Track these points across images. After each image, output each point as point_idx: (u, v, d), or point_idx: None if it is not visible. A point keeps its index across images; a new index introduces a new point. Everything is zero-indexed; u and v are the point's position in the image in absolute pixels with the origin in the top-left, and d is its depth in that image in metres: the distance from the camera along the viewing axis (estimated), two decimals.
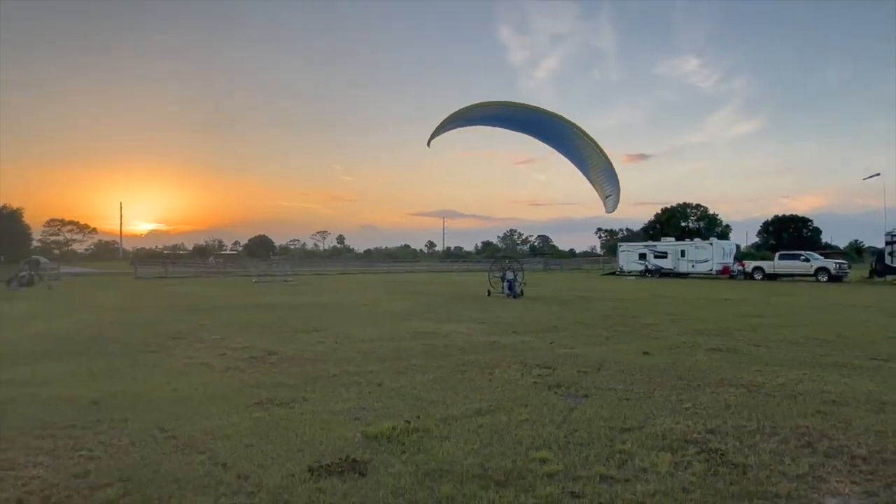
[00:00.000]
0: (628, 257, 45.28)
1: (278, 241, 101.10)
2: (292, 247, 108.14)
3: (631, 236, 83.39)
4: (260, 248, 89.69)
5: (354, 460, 4.11)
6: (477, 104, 16.77)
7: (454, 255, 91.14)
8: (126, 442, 4.50)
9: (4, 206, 67.45)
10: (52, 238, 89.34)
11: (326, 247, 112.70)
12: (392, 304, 17.55)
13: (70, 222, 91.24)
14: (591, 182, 18.90)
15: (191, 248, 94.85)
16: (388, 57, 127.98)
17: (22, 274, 25.61)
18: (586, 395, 6.07)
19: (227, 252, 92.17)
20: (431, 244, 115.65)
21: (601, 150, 17.63)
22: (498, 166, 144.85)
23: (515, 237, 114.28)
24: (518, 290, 20.19)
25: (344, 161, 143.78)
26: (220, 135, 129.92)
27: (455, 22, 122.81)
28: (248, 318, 13.76)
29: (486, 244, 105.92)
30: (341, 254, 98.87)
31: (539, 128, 18.31)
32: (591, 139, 17.46)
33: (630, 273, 43.16)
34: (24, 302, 19.01)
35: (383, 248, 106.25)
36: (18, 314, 14.82)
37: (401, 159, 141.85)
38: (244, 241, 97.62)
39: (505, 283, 20.46)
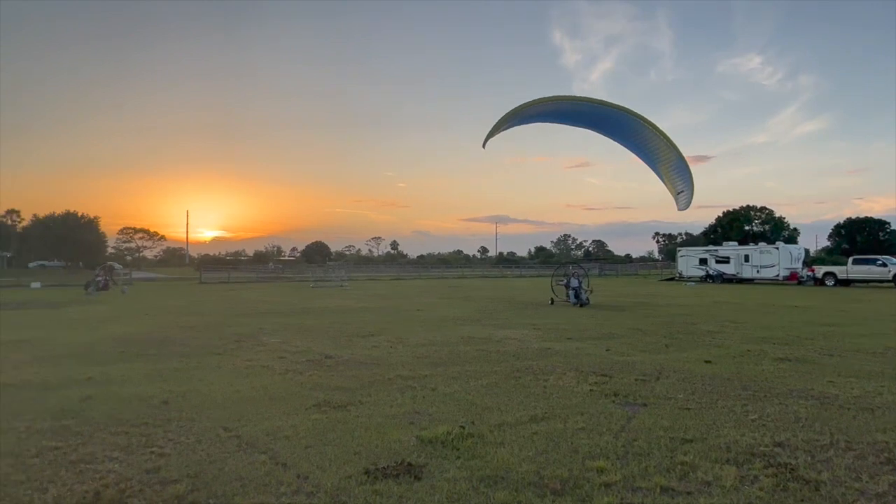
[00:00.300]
0: (688, 262, 43.85)
1: (334, 247, 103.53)
2: (347, 252, 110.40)
3: (691, 240, 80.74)
4: (316, 253, 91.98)
5: (409, 464, 4.15)
6: (535, 100, 16.48)
7: (507, 261, 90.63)
8: (193, 440, 4.70)
9: (83, 215, 71.81)
10: (125, 245, 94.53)
11: (380, 252, 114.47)
12: (445, 310, 17.63)
13: (141, 230, 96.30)
14: (661, 178, 18.26)
15: (251, 253, 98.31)
16: (441, 63, 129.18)
17: (98, 279, 27.19)
18: (645, 404, 5.91)
19: (286, 258, 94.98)
20: (484, 249, 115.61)
21: (672, 144, 16.92)
22: (550, 171, 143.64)
23: (569, 242, 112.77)
24: (584, 298, 19.20)
25: (397, 168, 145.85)
26: (279, 145, 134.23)
27: (508, 26, 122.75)
28: (305, 322, 14.13)
29: (539, 249, 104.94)
30: (395, 259, 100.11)
31: (602, 122, 17.75)
32: (662, 132, 16.82)
33: (690, 279, 41.76)
34: (100, 306, 20.16)
35: (436, 253, 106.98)
36: (95, 317, 15.73)
37: (453, 166, 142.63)
38: (301, 248, 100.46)
39: (570, 291, 19.56)
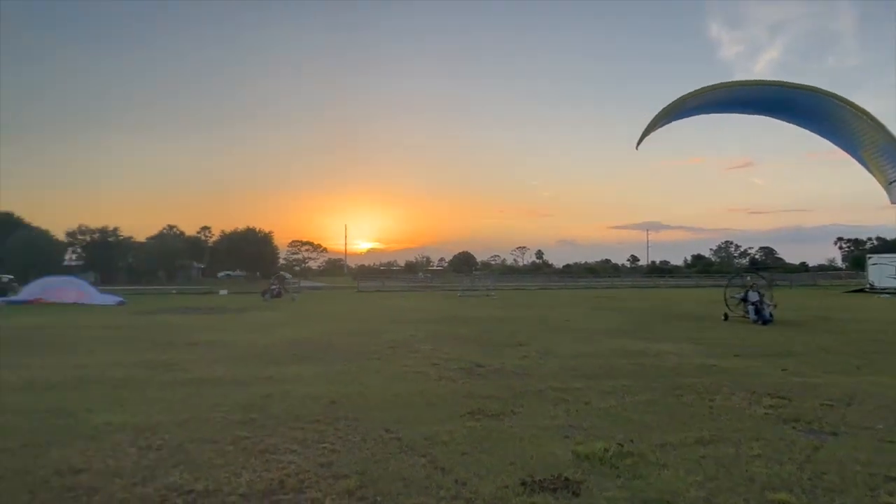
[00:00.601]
0: (881, 271, 38.04)
1: (480, 257, 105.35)
2: (493, 262, 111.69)
3: (883, 246, 70.03)
4: (463, 263, 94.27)
5: (567, 479, 4.07)
6: (699, 90, 15.18)
7: (660, 270, 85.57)
8: (359, 439, 5.04)
9: (260, 231, 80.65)
10: (294, 256, 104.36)
11: (525, 262, 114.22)
12: (594, 321, 17.08)
13: (307, 243, 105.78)
14: (864, 165, 15.86)
15: (403, 264, 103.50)
16: (589, 66, 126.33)
17: (273, 287, 30.33)
18: (834, 433, 5.22)
19: (434, 268, 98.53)
20: (634, 258, 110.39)
21: (879, 125, 14.51)
22: (707, 173, 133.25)
23: (731, 249, 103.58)
24: (767, 314, 16.12)
25: (542, 176, 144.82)
26: (428, 160, 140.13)
27: (659, 22, 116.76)
28: (455, 330, 14.51)
29: (697, 258, 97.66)
30: (540, 269, 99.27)
31: (784, 106, 15.61)
32: (865, 112, 14.44)
33: (884, 290, 36.21)
34: (274, 311, 22.45)
35: (582, 262, 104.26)
36: (270, 322, 17.55)
37: (601, 171, 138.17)
38: (448, 258, 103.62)
39: (749, 307, 16.55)
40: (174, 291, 42.64)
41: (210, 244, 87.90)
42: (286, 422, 5.59)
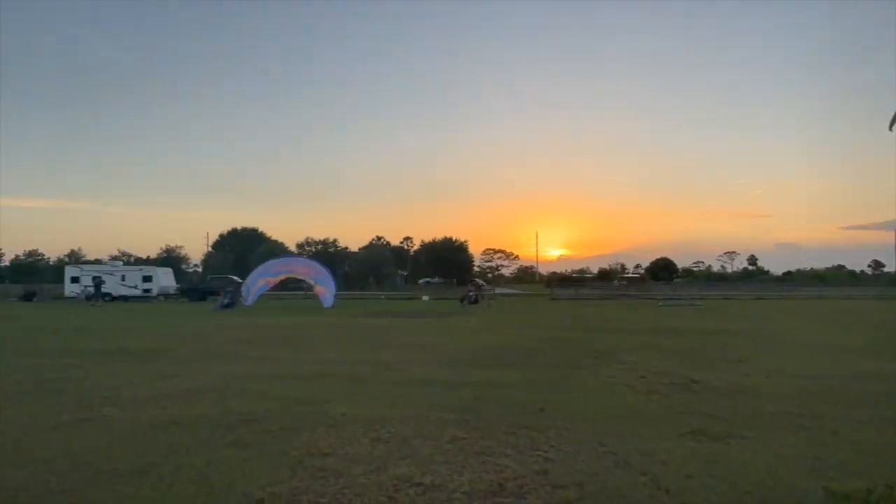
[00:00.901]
0: None
1: (681, 263, 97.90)
2: (696, 269, 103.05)
3: None
4: (662, 270, 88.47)
5: None
6: None
7: None
8: (573, 450, 4.96)
9: (457, 240, 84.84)
10: (487, 264, 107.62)
11: (735, 269, 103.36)
12: (831, 336, 14.75)
13: (499, 250, 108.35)
14: None
15: (595, 271, 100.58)
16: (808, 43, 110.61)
17: (470, 294, 31.61)
18: None
19: (630, 275, 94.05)
20: (877, 264, 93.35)
21: None
22: None
23: None
24: None
25: (753, 173, 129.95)
26: (622, 161, 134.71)
27: None
28: (658, 341, 13.64)
29: None
30: (753, 276, 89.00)
31: None
32: None
33: None
34: (473, 317, 23.35)
35: (807, 269, 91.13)
36: (471, 327, 18.27)
37: (827, 162, 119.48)
38: (645, 264, 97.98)
39: None
40: (383, 296, 46.73)
41: (411, 253, 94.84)
42: (498, 425, 5.73)
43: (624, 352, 11.70)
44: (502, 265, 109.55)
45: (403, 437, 5.28)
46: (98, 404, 6.64)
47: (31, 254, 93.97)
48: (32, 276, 74.61)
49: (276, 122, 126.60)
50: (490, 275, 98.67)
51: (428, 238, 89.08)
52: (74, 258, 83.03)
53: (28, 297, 42.68)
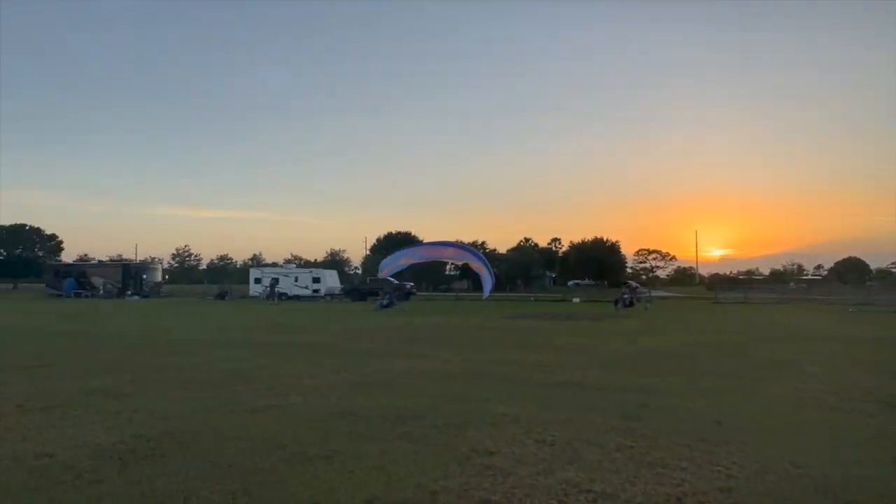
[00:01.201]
0: None
1: (875, 264, 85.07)
2: (894, 270, 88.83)
3: None
4: (850, 271, 77.64)
5: None
6: None
7: None
8: (758, 468, 4.50)
9: (608, 240, 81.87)
10: (641, 265, 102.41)
11: None
12: None
13: (654, 251, 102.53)
14: None
15: (766, 272, 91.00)
16: None
17: (625, 296, 30.31)
18: None
19: (809, 276, 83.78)
20: None
21: None
22: None
23: None
24: None
25: None
26: (794, 149, 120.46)
27: None
28: (851, 352, 11.96)
29: None
30: None
31: None
32: None
33: None
34: (628, 320, 22.34)
35: None
36: (627, 330, 17.48)
37: None
38: (828, 264, 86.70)
39: None
40: (532, 298, 46.54)
41: (560, 254, 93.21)
42: (668, 435, 5.39)
43: (810, 362, 10.43)
44: (657, 266, 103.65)
45: (567, 441, 5.17)
46: (285, 392, 7.38)
47: (222, 258, 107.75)
48: (224, 277, 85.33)
49: (426, 131, 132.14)
50: (644, 276, 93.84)
51: (577, 239, 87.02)
52: (256, 261, 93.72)
53: (221, 296, 48.89)
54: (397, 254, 28.47)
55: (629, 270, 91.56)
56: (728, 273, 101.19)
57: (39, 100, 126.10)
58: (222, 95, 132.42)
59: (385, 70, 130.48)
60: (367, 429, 5.55)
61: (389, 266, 27.85)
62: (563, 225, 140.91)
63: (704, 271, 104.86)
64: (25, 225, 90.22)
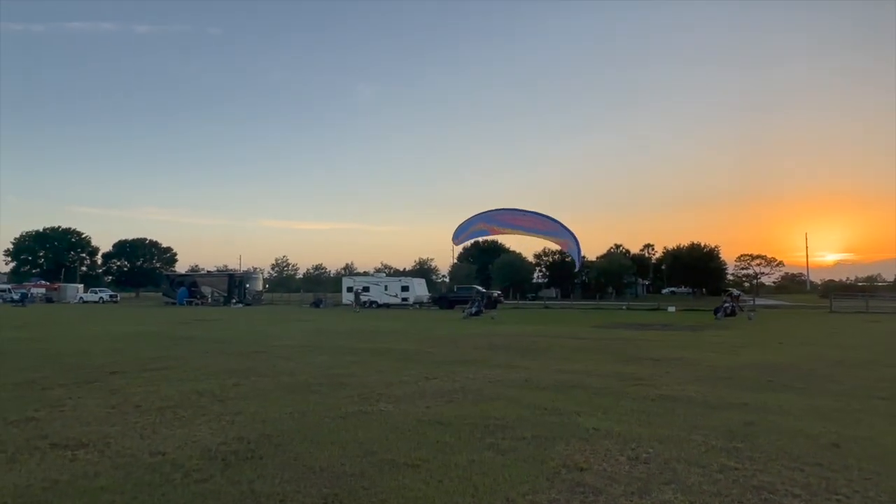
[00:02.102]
0: None
1: None
2: None
3: None
4: None
5: None
6: None
7: None
8: (886, 501, 4.04)
9: (706, 245, 77.49)
10: (743, 272, 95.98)
11: None
12: None
13: (758, 256, 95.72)
14: None
15: (891, 278, 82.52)
16: None
17: (726, 305, 28.62)
18: None
19: None
20: None
21: None
22: None
23: None
24: None
25: None
26: None
27: None
28: None
29: None
30: None
31: None
32: None
33: None
34: (731, 331, 20.99)
35: None
36: (730, 342, 16.41)
37: None
38: None
39: None
40: (624, 307, 44.94)
41: (654, 261, 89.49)
42: (778, 458, 4.97)
43: None
44: (762, 273, 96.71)
45: (665, 460, 4.90)
46: (375, 399, 7.54)
47: (317, 267, 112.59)
48: (318, 285, 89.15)
49: (510, 138, 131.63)
50: (747, 284, 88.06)
51: (672, 245, 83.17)
52: (348, 270, 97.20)
53: (316, 303, 51.15)
54: (473, 218, 25.53)
55: (730, 277, 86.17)
56: (845, 279, 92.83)
57: (156, 124, 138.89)
58: (318, 116, 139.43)
59: (474, 78, 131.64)
60: (455, 438, 5.54)
61: (465, 232, 25.42)
62: (656, 230, 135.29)
63: (816, 278, 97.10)
64: (146, 239, 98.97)
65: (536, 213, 24.86)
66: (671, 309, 40.19)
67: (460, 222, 25.51)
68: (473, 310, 29.52)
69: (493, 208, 25.49)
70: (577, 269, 24.04)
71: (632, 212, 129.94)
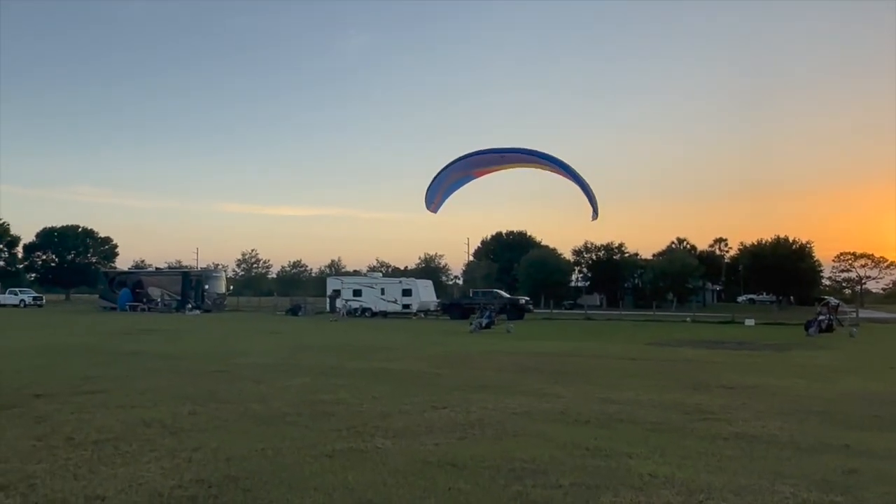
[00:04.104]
0: None
1: None
2: None
3: None
4: None
5: None
6: None
7: None
8: None
9: (794, 240, 76.92)
10: (843, 275, 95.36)
11: None
12: None
13: (862, 255, 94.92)
14: None
15: None
16: None
17: (821, 318, 28.39)
18: None
19: None
20: None
21: None
22: None
23: None
24: None
25: None
26: None
27: None
28: None
29: None
30: None
31: None
32: None
33: None
34: (827, 351, 20.87)
35: None
36: (827, 365, 16.35)
37: None
38: None
39: None
40: (688, 319, 44.79)
41: (727, 260, 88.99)
42: None
43: None
44: (868, 277, 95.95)
45: None
46: (369, 433, 7.59)
47: (294, 264, 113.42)
48: (297, 288, 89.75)
49: (539, 111, 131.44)
50: (848, 291, 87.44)
51: (750, 240, 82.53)
52: (335, 269, 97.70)
53: (294, 310, 51.47)
54: (444, 170, 23.98)
55: (826, 282, 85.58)
56: None
57: (90, 89, 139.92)
58: (296, 72, 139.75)
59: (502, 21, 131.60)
60: (472, 485, 5.56)
61: (438, 189, 23.91)
62: (730, 221, 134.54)
63: None
64: (78, 226, 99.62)
65: (531, 150, 22.93)
66: (749, 322, 39.95)
67: (430, 183, 23.98)
68: (484, 321, 29.49)
69: (469, 152, 23.96)
70: (593, 218, 21.22)
71: (699, 198, 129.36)
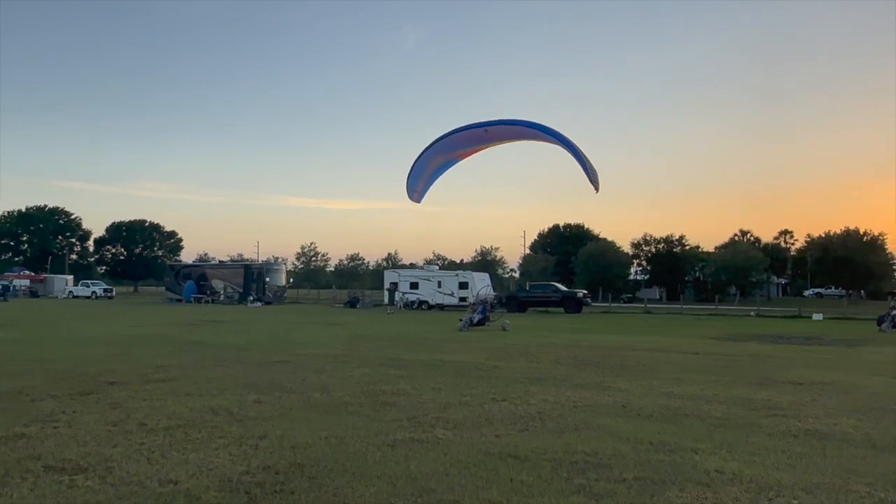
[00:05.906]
0: None
1: None
2: None
3: None
4: None
5: None
6: None
7: None
8: None
9: (866, 232, 74.00)
10: None
11: None
12: None
13: None
14: None
15: None
16: None
17: (894, 313, 27.39)
18: None
19: None
20: None
21: None
22: None
23: None
24: None
25: None
26: None
27: None
28: None
29: None
30: None
31: None
32: None
33: None
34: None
35: None
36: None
37: None
38: None
39: None
40: (752, 313, 43.65)
41: (793, 253, 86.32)
42: None
43: None
44: None
45: None
46: (430, 424, 7.65)
47: (352, 258, 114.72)
48: (354, 280, 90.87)
49: (601, 105, 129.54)
50: None
51: (818, 231, 79.86)
52: (391, 262, 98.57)
53: (352, 303, 52.21)
54: (424, 154, 21.92)
55: None
56: None
57: (161, 89, 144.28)
58: (355, 68, 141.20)
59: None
60: (534, 477, 5.55)
61: (420, 177, 22.19)
62: (797, 212, 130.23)
63: None
64: (145, 221, 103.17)
65: (518, 120, 20.70)
66: (817, 317, 38.77)
67: (409, 169, 21.70)
68: (476, 317, 26.41)
69: (448, 131, 21.21)
70: (596, 191, 19.20)
71: (764, 187, 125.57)
